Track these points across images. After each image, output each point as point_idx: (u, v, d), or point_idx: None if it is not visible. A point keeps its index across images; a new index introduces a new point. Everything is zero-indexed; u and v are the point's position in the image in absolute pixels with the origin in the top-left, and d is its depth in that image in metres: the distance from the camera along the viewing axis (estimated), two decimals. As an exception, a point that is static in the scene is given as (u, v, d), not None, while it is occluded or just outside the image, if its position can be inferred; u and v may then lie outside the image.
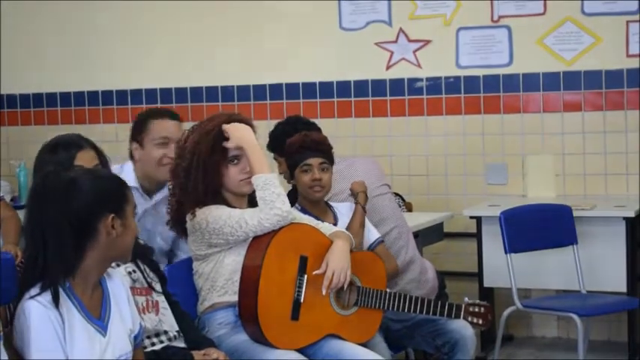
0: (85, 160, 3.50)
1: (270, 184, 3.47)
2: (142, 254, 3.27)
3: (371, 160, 4.77)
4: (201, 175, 3.52)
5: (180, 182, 3.57)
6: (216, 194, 3.56)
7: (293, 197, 4.07)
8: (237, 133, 3.55)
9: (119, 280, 2.85)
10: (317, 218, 3.87)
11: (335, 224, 3.94)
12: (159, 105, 6.66)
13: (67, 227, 2.64)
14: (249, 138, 3.55)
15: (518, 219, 5.06)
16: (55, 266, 2.63)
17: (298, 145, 4.05)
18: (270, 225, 3.45)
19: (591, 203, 5.44)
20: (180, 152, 3.61)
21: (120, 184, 2.79)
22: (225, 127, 3.56)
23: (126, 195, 2.77)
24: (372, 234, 4.12)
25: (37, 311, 2.60)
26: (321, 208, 4.06)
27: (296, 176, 4.06)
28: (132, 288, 3.13)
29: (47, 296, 2.62)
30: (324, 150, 4.05)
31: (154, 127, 4.04)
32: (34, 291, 2.63)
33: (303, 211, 3.96)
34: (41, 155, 3.44)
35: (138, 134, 4.07)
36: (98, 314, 2.72)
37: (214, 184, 3.55)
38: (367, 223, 4.11)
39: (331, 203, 4.13)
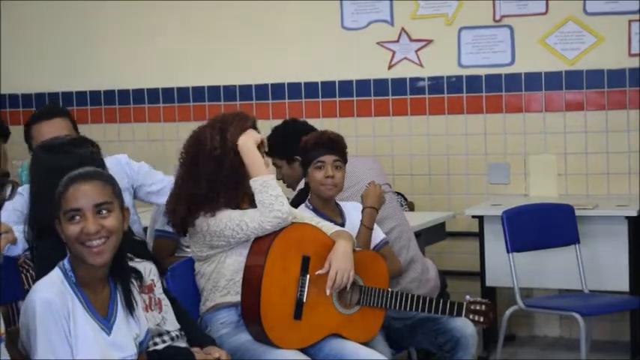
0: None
1: (267, 186, 3.48)
2: (140, 250, 3.28)
3: (372, 160, 4.76)
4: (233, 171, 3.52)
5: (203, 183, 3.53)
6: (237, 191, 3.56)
7: (304, 196, 4.07)
8: None
9: (135, 291, 2.89)
10: (327, 217, 3.88)
11: (343, 224, 3.94)
12: (161, 105, 6.67)
13: None
14: (242, 142, 3.54)
15: (521, 218, 5.05)
16: None
17: (314, 142, 4.01)
18: (271, 227, 3.46)
19: (593, 203, 5.44)
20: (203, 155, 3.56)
21: None
22: None
23: None
24: (377, 235, 4.10)
25: (42, 304, 2.62)
26: (331, 207, 4.03)
27: (309, 173, 4.00)
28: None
29: (52, 290, 2.64)
30: (338, 148, 4.01)
31: (34, 134, 4.14)
32: (40, 284, 2.66)
33: (314, 210, 3.95)
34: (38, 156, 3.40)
35: (29, 142, 4.15)
36: (105, 314, 2.75)
37: (243, 181, 3.54)
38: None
39: (339, 202, 4.12)
